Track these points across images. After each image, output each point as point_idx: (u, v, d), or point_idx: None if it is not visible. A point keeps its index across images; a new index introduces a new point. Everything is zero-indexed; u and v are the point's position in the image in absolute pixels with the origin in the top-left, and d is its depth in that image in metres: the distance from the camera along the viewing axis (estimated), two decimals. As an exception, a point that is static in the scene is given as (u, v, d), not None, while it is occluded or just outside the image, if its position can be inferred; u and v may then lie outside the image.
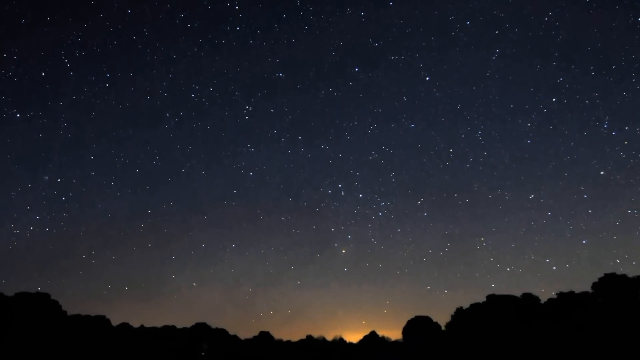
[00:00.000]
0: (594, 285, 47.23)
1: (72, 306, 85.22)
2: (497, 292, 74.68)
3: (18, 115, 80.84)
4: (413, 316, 59.16)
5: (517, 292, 75.86)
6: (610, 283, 45.64)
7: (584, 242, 73.24)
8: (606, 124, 72.57)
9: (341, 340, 62.62)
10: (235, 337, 62.70)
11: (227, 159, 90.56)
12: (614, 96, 72.27)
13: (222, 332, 62.58)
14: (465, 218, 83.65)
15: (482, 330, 53.53)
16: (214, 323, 63.18)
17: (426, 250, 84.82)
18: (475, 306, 56.29)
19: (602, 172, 72.83)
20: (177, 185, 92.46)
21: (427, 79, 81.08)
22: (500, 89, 79.61)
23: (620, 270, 65.92)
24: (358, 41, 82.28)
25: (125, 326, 59.04)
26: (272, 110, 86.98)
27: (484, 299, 56.01)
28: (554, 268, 73.80)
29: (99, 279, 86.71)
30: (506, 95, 79.70)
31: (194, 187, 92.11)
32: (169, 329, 61.76)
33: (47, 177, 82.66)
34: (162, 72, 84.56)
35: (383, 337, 61.14)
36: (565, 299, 49.65)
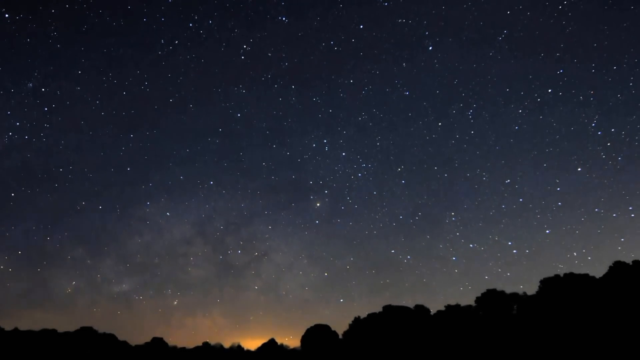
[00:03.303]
0: (477, 300, 50.90)
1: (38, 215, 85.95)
2: (457, 266, 79.23)
3: (7, 15, 75.36)
4: (312, 325, 59.86)
5: (476, 268, 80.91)
6: (490, 298, 49.51)
7: (547, 231, 76.00)
8: (594, 123, 73.54)
9: (239, 347, 61.25)
10: (124, 343, 58.74)
11: (217, 96, 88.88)
12: (608, 97, 73.32)
13: (111, 337, 58.36)
14: (440, 191, 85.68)
15: (378, 339, 55.39)
16: (102, 328, 58.95)
17: (397, 216, 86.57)
18: (372, 316, 58.17)
19: (579, 169, 75.18)
20: (163, 114, 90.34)
21: (430, 48, 79.85)
22: (500, 71, 79.73)
23: (575, 264, 71.06)
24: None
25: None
26: (269, 54, 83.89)
27: (381, 309, 58.22)
28: (515, 251, 76.84)
29: (73, 193, 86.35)
30: (504, 78, 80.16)
31: (180, 118, 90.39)
32: (49, 333, 56.32)
33: (31, 85, 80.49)
34: (161, -5, 79.04)
35: (282, 345, 60.83)
36: (452, 311, 52.96)
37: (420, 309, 56.21)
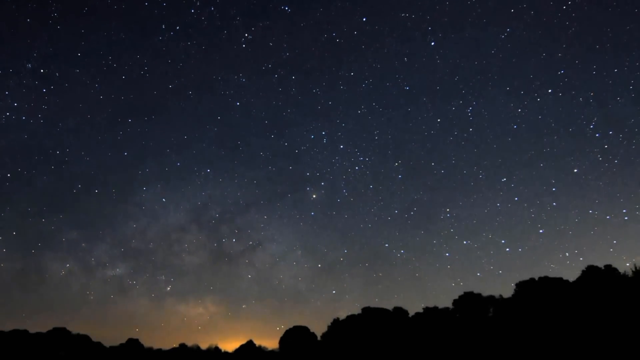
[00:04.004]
0: (455, 302, 51.40)
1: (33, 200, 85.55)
2: (450, 262, 78.77)
3: (4, -5, 74.44)
4: (290, 327, 59.69)
5: (469, 265, 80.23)
6: (467, 300, 50.02)
7: (540, 231, 75.75)
8: (592, 125, 73.25)
9: (216, 349, 60.59)
10: (99, 344, 57.63)
11: (217, 84, 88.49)
12: (607, 100, 73.07)
13: (85, 338, 57.19)
14: (437, 187, 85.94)
15: (357, 341, 55.44)
16: (74, 328, 57.78)
17: (393, 210, 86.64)
18: (350, 318, 58.26)
19: (575, 170, 74.80)
20: (161, 100, 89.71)
21: (432, 44, 79.54)
22: (501, 70, 79.75)
23: (567, 264, 70.60)
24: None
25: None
26: (270, 44, 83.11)
27: (360, 311, 58.34)
28: (507, 250, 76.56)
29: (69, 175, 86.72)
30: (505, 77, 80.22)
31: (178, 104, 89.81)
32: (20, 334, 54.92)
33: (30, 65, 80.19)
34: (162, -20, 79.13)
35: (260, 347, 60.41)
36: (430, 313, 53.36)
37: (399, 311, 56.51)
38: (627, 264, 65.22)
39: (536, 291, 43.35)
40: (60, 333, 55.76)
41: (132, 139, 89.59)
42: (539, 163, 78.68)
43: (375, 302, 79.74)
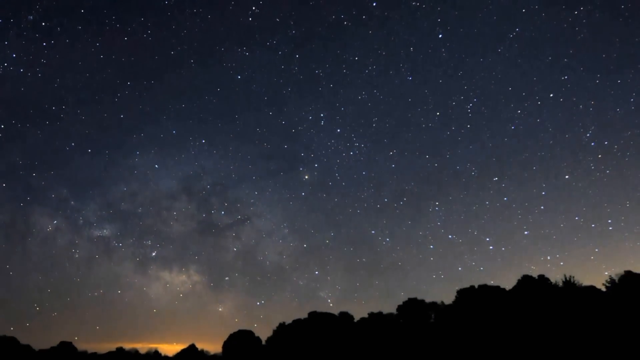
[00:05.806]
0: (399, 308, 52.39)
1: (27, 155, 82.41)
2: (433, 254, 79.51)
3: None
4: (234, 332, 58.71)
5: (452, 259, 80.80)
6: (410, 306, 51.14)
7: (526, 232, 76.69)
8: (589, 133, 73.91)
9: (156, 353, 58.43)
10: (28, 347, 54.00)
11: (219, 54, 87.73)
12: (607, 109, 73.52)
13: (12, 340, 53.42)
14: (428, 180, 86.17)
15: (302, 345, 55.23)
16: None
17: (383, 198, 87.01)
18: (297, 322, 58.01)
19: (567, 176, 75.51)
20: (162, 65, 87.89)
21: (440, 36, 79.33)
22: (505, 69, 79.55)
23: (547, 267, 71.99)
24: (382, -23, 78.73)
25: None
26: (277, 20, 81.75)
27: (306, 316, 58.25)
28: (491, 247, 77.21)
29: (63, 132, 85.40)
30: (508, 77, 79.96)
31: (178, 72, 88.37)
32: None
33: (31, 17, 77.26)
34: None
35: (202, 351, 58.85)
36: (375, 318, 54.11)
37: (344, 316, 56.91)
38: (606, 273, 68.21)
39: (475, 298, 44.97)
40: (-17, 335, 51.82)
41: (130, 102, 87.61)
42: (532, 166, 79.85)
43: (357, 287, 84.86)
